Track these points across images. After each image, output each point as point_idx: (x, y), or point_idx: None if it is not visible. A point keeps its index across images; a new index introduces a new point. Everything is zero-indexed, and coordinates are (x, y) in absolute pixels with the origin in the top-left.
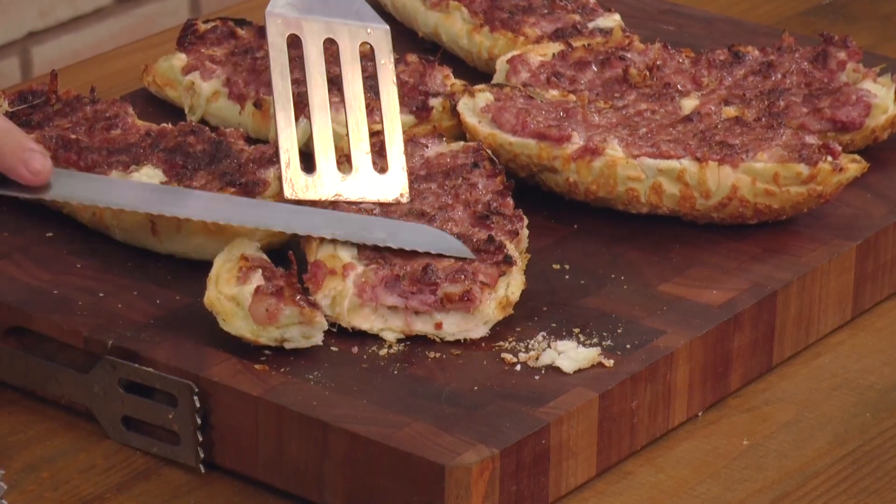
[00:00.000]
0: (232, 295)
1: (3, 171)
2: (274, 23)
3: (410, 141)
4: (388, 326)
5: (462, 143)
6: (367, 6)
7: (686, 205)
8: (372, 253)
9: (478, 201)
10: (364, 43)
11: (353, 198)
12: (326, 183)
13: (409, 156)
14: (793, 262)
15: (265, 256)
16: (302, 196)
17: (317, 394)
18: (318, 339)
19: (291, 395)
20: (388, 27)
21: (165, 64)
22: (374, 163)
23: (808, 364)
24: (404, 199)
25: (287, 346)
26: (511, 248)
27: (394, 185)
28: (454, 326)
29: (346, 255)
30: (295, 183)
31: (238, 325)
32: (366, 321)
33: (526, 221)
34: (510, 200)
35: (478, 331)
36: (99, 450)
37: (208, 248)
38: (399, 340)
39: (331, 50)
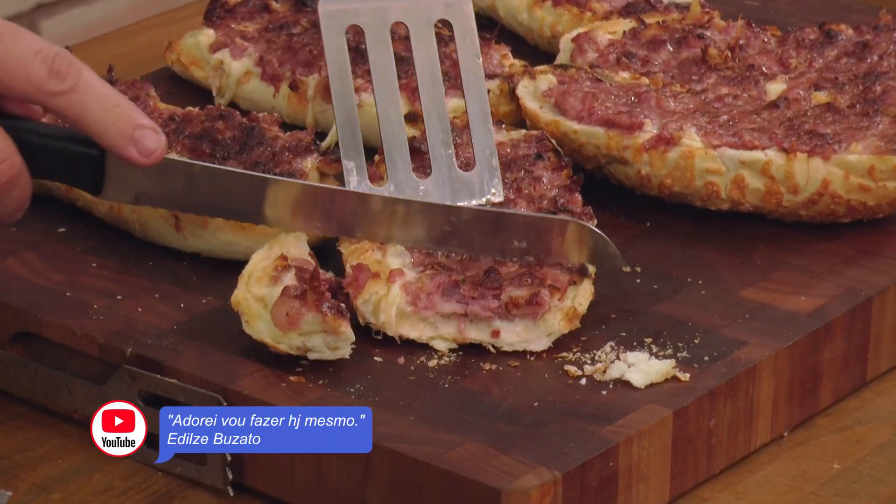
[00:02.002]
0: (261, 296)
1: (110, 150)
2: (329, 19)
3: (466, 128)
4: (440, 334)
5: (523, 131)
6: None
7: (771, 201)
8: (427, 259)
9: (543, 197)
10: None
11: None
12: (400, 191)
13: (464, 145)
14: (890, 265)
15: (309, 256)
16: None
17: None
18: (345, 351)
19: None
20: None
21: (191, 40)
22: (458, 158)
23: None
24: (497, 198)
25: (311, 356)
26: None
27: (482, 182)
28: (513, 336)
29: (395, 262)
30: None
31: (260, 328)
32: (414, 329)
33: (595, 221)
34: (578, 196)
35: (539, 343)
36: (116, 470)
37: (237, 245)
38: (451, 351)
39: (398, 32)
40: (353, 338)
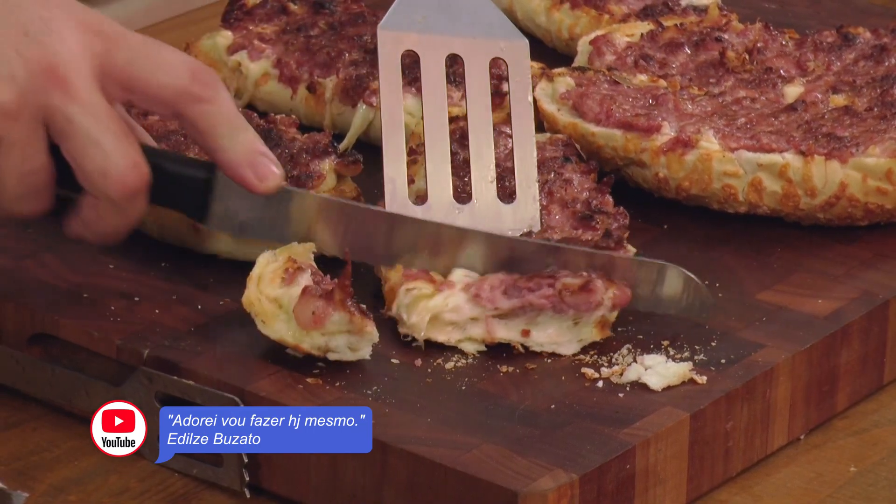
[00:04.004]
0: (275, 297)
1: (226, 168)
2: (387, 39)
3: (493, 130)
4: (468, 336)
5: (547, 134)
6: (505, 18)
7: (789, 204)
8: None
9: (575, 200)
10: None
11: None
12: (439, 216)
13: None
14: None
15: (314, 263)
16: None
17: (376, 411)
18: (365, 352)
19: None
20: (526, 41)
21: (209, 42)
22: (499, 191)
23: None
24: (535, 230)
25: (331, 356)
26: (629, 246)
27: (522, 215)
28: (545, 337)
29: (460, 274)
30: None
31: (279, 327)
32: (442, 333)
33: (628, 219)
34: (609, 198)
35: (569, 347)
36: (133, 471)
37: (255, 248)
38: (469, 354)
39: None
40: (376, 338)
